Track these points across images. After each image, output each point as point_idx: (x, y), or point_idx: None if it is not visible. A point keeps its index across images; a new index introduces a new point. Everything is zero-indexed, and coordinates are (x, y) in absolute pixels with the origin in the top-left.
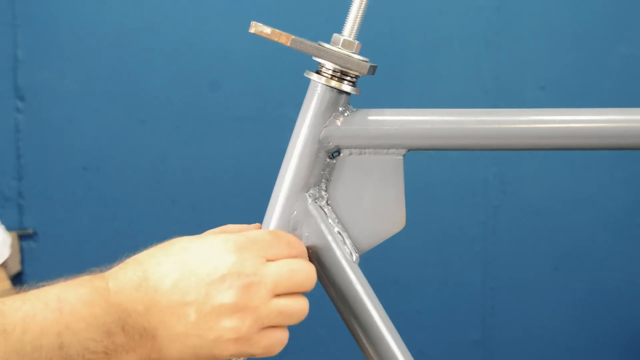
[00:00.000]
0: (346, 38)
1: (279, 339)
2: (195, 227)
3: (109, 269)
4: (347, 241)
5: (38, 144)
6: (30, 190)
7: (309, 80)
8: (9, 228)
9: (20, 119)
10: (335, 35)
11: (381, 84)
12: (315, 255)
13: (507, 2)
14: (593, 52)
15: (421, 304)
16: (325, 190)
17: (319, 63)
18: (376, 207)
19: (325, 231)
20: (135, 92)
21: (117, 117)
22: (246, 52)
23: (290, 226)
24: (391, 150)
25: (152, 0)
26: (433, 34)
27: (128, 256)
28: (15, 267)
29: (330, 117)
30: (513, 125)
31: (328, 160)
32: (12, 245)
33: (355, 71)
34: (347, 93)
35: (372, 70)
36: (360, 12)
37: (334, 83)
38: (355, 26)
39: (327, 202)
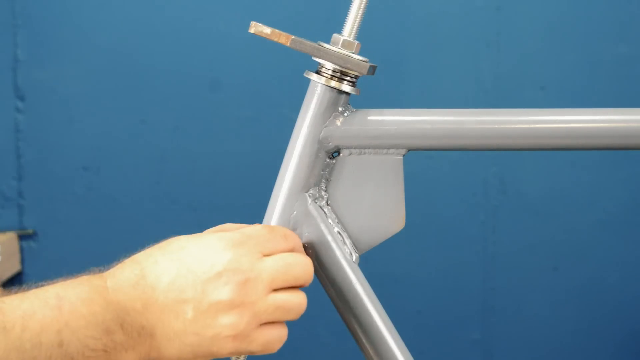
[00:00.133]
0: (346, 38)
1: (278, 335)
2: (195, 227)
3: (108, 269)
4: (347, 241)
5: (38, 144)
6: (30, 190)
7: (308, 80)
8: (9, 228)
9: (20, 119)
10: (335, 35)
11: (381, 84)
12: (315, 255)
13: (507, 2)
14: (593, 52)
15: (421, 304)
16: (325, 190)
17: (319, 63)
18: (376, 207)
19: (325, 231)
20: (135, 92)
21: (117, 117)
22: (246, 52)
23: (290, 226)
24: (391, 151)
25: (152, 0)
26: (433, 34)
27: (127, 256)
28: (15, 267)
29: (330, 117)
30: (513, 125)
31: (328, 160)
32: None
33: (355, 71)
34: (347, 93)
35: (372, 70)
36: (360, 12)
37: (333, 83)
38: (355, 26)
39: (327, 202)
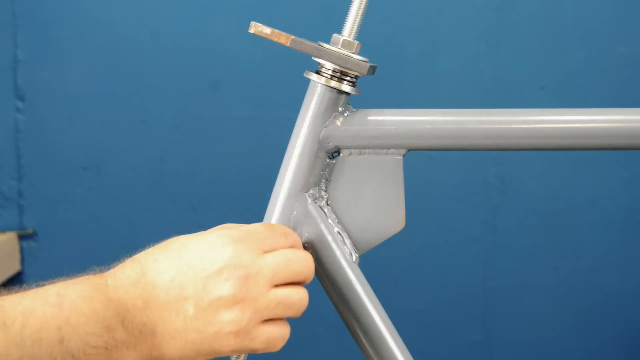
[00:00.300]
0: (346, 38)
1: (280, 333)
2: (196, 227)
3: (109, 269)
4: (347, 241)
5: (38, 144)
6: (30, 190)
7: (308, 80)
8: (9, 228)
9: (20, 119)
10: (335, 35)
11: (381, 84)
12: (315, 255)
13: (507, 2)
14: (593, 52)
15: (421, 304)
16: (325, 191)
17: (319, 63)
18: (376, 207)
19: (325, 231)
20: (135, 92)
21: (117, 117)
22: (246, 52)
23: (290, 226)
24: (391, 151)
25: (152, 0)
26: (433, 33)
27: (127, 257)
28: (15, 267)
29: (330, 117)
30: (513, 125)
31: (328, 160)
32: None
33: (355, 71)
34: (347, 93)
35: (372, 70)
36: (360, 12)
37: (333, 83)
38: (355, 26)
39: (326, 202)
